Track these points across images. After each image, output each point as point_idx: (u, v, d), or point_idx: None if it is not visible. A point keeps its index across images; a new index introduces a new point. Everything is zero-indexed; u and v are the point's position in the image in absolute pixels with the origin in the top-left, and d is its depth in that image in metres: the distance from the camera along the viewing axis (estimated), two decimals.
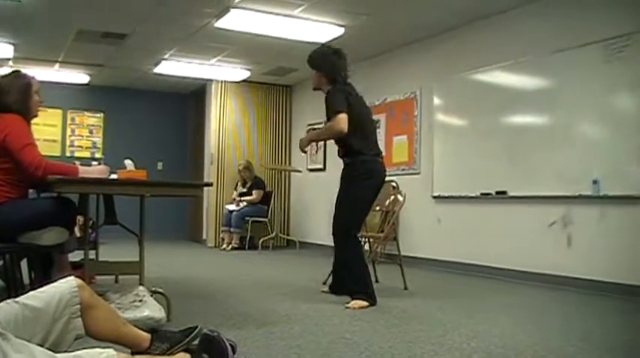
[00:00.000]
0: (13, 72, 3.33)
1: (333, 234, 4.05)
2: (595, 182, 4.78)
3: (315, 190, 8.71)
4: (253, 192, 8.54)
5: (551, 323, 3.54)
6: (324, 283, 4.66)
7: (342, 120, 3.82)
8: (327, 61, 4.09)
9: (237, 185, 8.85)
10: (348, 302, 3.85)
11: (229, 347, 2.03)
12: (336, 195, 4.09)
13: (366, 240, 5.49)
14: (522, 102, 5.52)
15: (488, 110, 5.86)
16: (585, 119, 4.99)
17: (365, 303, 3.83)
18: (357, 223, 4.03)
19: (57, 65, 8.25)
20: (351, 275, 3.96)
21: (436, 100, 6.53)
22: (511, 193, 5.55)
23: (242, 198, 8.54)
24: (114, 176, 3.33)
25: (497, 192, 5.67)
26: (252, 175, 8.71)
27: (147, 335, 2.10)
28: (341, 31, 6.26)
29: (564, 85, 5.13)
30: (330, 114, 3.90)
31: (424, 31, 6.52)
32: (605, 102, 4.81)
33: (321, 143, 8.29)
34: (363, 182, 3.98)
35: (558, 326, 3.42)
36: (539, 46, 5.37)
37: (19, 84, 3.21)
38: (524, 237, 5.41)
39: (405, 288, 4.68)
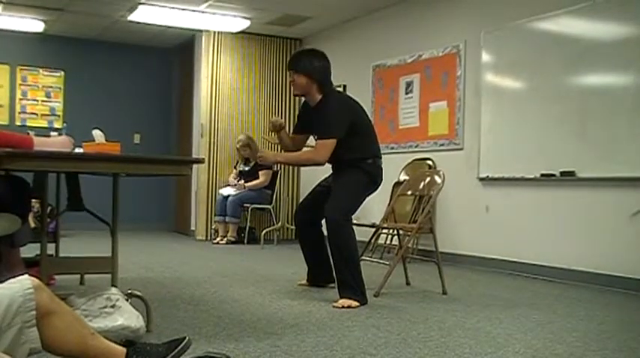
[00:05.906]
0: None
1: (330, 217, 4.26)
2: None
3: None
4: (260, 173, 8.44)
5: (637, 342, 3.49)
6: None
7: (329, 147, 4.32)
8: (319, 65, 4.44)
9: (237, 164, 8.83)
10: (335, 301, 4.13)
11: None
12: (319, 182, 4.77)
13: (395, 232, 5.48)
14: (599, 57, 5.43)
15: (553, 68, 5.79)
16: None
17: (356, 303, 4.08)
18: (355, 209, 4.43)
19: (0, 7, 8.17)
20: (346, 265, 4.22)
21: (485, 56, 6.47)
22: (581, 174, 5.49)
23: (245, 183, 8.47)
24: (79, 150, 3.32)
25: (563, 173, 5.62)
26: (254, 153, 8.63)
27: (121, 349, 2.12)
28: None
29: None
30: (323, 134, 4.38)
31: None
32: None
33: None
34: (365, 180, 4.49)
35: None
36: None
37: None
38: (597, 230, 5.36)
39: (444, 293, 4.68)
